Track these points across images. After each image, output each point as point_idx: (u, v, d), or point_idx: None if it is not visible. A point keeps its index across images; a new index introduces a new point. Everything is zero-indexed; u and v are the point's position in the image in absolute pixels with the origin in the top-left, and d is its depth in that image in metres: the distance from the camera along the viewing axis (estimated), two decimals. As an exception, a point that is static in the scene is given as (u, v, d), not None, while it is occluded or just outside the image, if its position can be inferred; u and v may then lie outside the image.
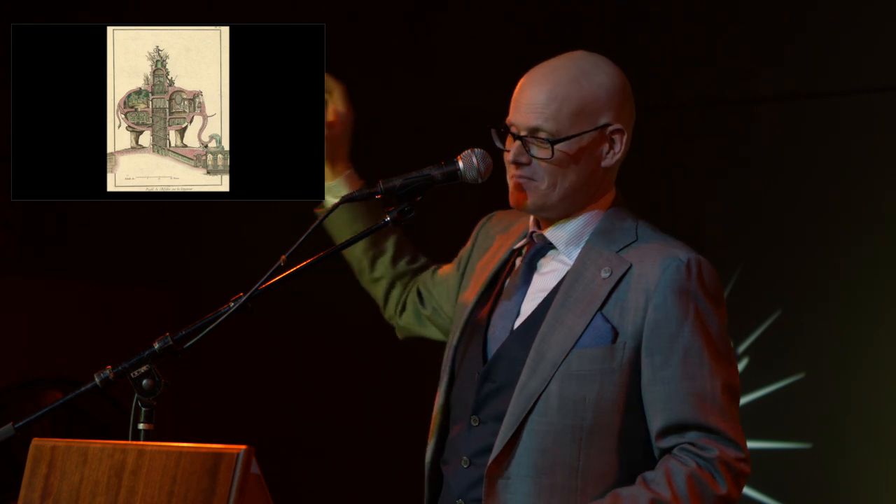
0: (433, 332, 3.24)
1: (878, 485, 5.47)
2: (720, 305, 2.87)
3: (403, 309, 3.25)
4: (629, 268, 2.85)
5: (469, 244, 3.16)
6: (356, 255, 3.24)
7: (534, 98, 2.89)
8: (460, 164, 2.90)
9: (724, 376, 2.83)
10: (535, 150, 2.88)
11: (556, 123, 2.87)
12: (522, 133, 2.89)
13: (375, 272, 3.24)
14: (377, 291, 3.27)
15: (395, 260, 3.23)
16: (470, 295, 3.03)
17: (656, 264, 2.84)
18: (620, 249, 2.88)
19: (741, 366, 5.71)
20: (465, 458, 2.90)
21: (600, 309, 2.83)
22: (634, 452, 2.84)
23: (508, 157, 2.91)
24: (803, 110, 5.69)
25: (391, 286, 3.25)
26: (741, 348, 5.72)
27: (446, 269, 3.20)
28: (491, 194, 2.98)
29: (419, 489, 3.05)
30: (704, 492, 2.77)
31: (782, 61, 5.69)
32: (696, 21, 5.82)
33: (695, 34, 5.81)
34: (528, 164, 2.89)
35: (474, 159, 2.90)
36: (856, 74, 5.57)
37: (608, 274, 2.85)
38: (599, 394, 2.81)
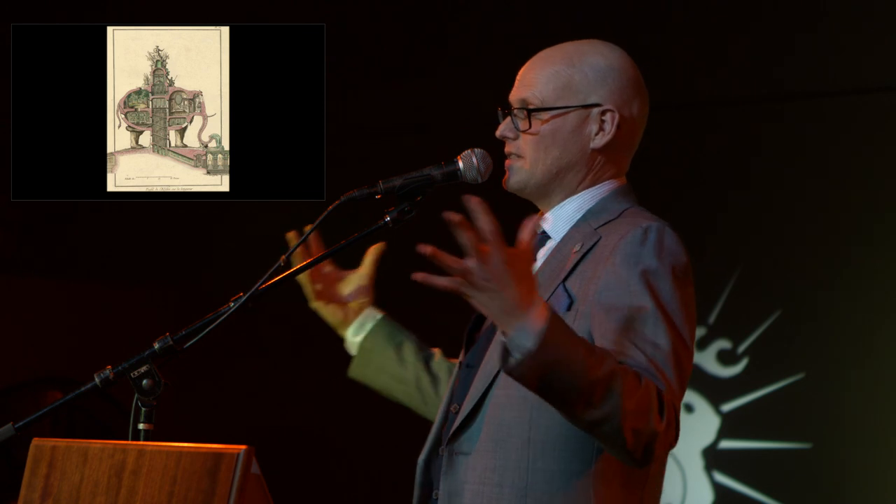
0: None
1: (878, 485, 5.47)
2: (677, 273, 2.74)
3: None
4: (598, 240, 2.82)
5: None
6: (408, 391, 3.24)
7: (527, 74, 2.93)
8: (460, 164, 2.90)
9: (671, 342, 2.66)
10: (519, 123, 2.90)
11: (541, 95, 2.89)
12: (514, 108, 2.92)
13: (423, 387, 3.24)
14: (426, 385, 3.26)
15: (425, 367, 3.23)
16: None
17: (620, 234, 2.79)
18: (600, 226, 2.85)
19: (741, 366, 5.71)
20: (443, 446, 2.86)
21: (564, 280, 2.80)
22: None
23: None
24: (804, 112, 5.69)
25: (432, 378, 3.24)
26: (741, 348, 5.72)
27: None
28: (491, 194, 2.97)
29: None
30: (649, 412, 2.57)
31: (783, 63, 5.70)
32: (700, 24, 5.82)
33: (698, 37, 5.81)
34: (516, 138, 2.90)
35: (474, 159, 2.90)
36: (856, 75, 5.57)
37: (579, 247, 2.83)
38: None
